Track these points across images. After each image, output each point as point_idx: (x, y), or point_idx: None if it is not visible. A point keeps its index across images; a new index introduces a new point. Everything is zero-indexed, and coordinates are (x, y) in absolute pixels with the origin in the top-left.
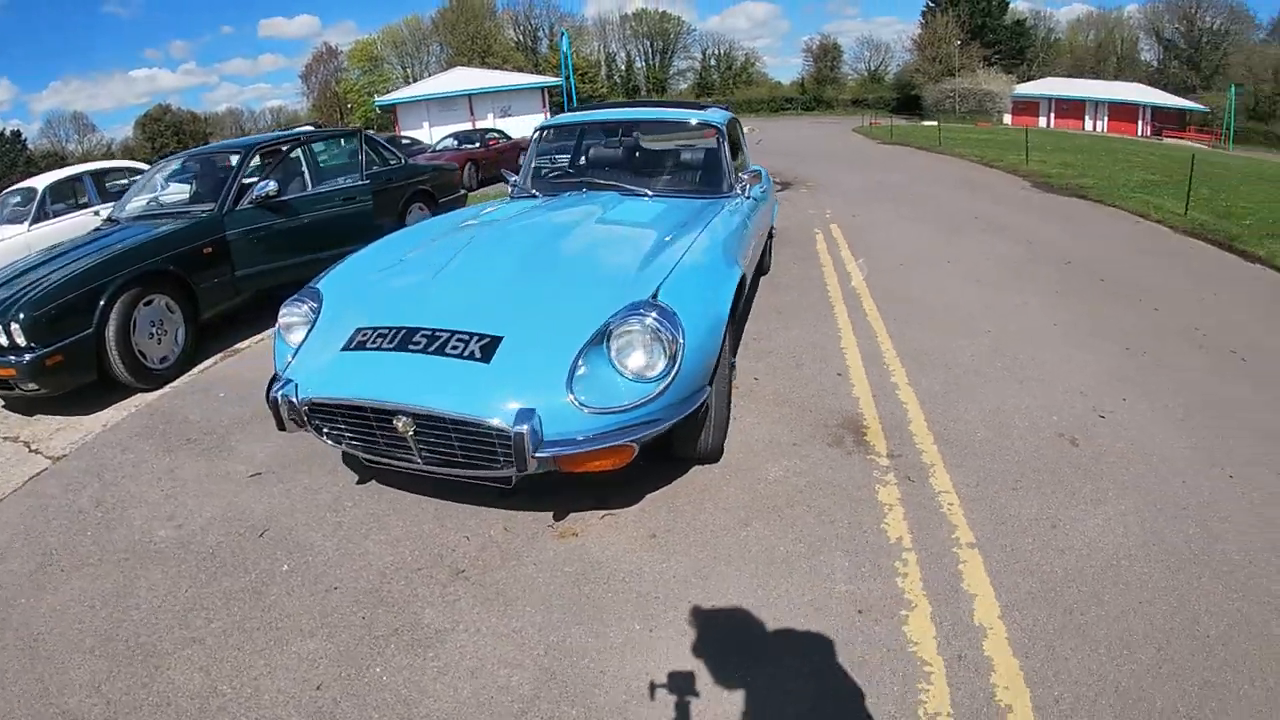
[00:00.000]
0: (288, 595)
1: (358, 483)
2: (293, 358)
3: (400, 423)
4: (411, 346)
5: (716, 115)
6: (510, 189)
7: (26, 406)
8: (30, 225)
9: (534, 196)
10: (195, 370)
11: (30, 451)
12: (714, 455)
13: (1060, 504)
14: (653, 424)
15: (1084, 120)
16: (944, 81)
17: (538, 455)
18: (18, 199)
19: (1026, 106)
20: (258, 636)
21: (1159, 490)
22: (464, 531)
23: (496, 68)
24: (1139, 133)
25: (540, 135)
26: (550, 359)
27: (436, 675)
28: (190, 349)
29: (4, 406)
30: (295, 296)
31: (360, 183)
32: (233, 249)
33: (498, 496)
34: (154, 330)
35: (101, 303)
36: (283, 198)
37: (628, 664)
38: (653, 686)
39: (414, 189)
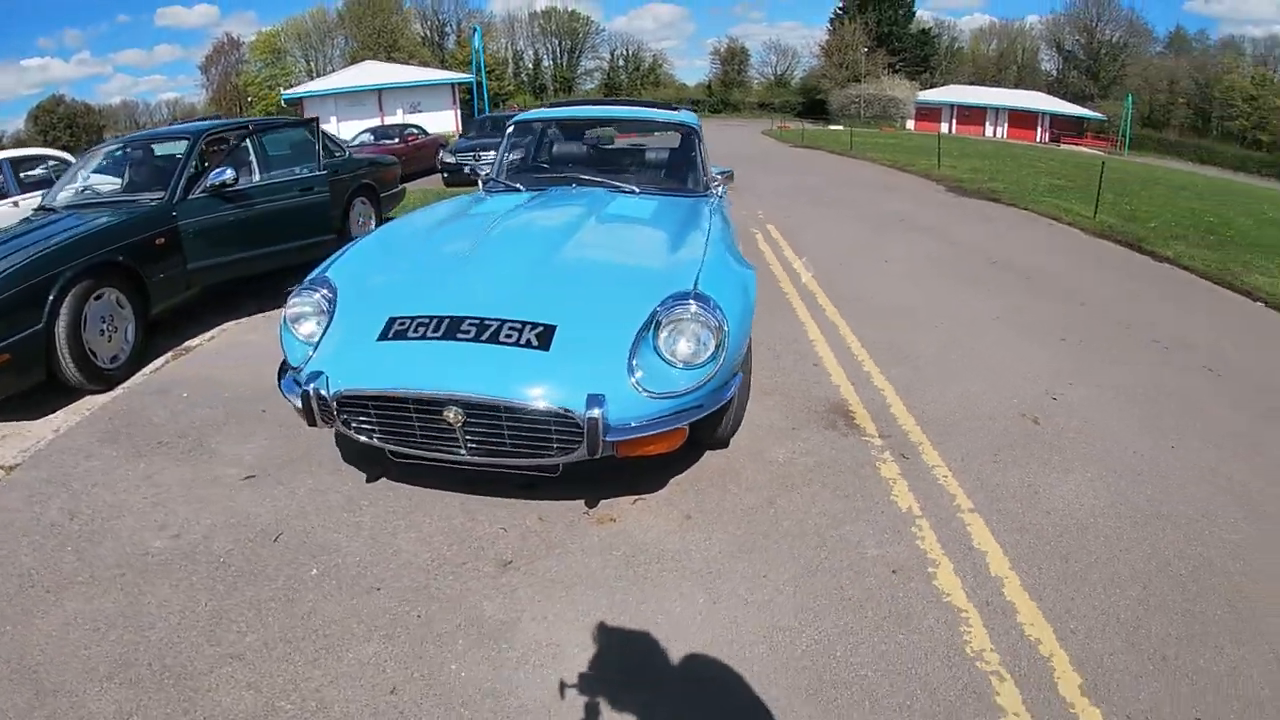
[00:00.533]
0: (326, 600)
1: (368, 481)
2: (314, 351)
3: (451, 413)
4: (460, 335)
5: (690, 116)
6: (482, 183)
7: None
8: None
9: (518, 190)
10: (146, 370)
11: None
12: (726, 440)
13: (1036, 473)
14: (699, 408)
15: (984, 126)
16: (850, 87)
17: (607, 439)
18: None
19: (929, 112)
20: (305, 646)
21: (1115, 459)
22: (498, 524)
23: (403, 63)
24: (1037, 139)
25: (515, 130)
26: (607, 346)
27: (517, 665)
28: (140, 347)
29: None
30: (304, 285)
31: (318, 173)
32: (185, 240)
33: (520, 488)
34: (105, 327)
35: (51, 296)
36: (238, 187)
37: (706, 635)
38: (741, 651)
39: (358, 182)
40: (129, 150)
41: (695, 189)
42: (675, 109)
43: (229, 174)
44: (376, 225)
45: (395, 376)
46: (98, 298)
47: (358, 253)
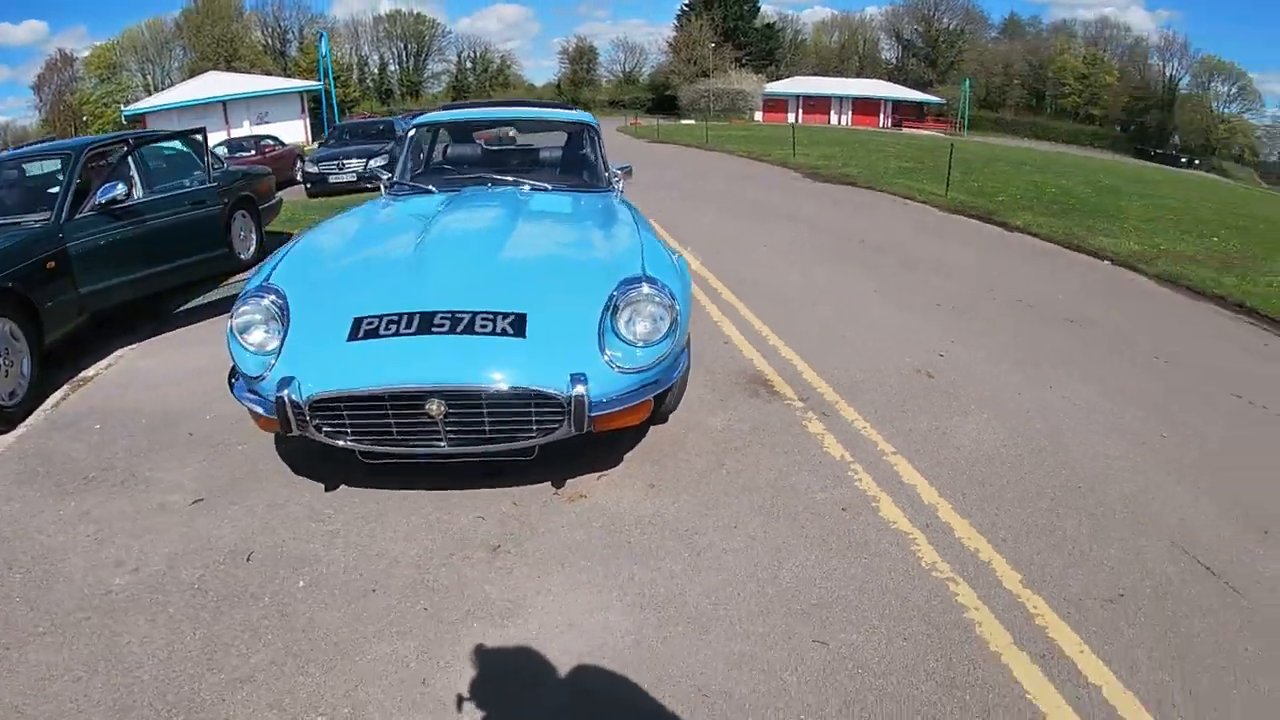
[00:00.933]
0: (322, 609)
1: (327, 490)
2: (276, 358)
3: (434, 406)
4: (436, 329)
5: (588, 115)
6: (384, 186)
7: None
8: None
9: (430, 192)
10: (46, 405)
11: None
12: (667, 415)
13: (940, 418)
14: (658, 383)
15: (830, 115)
16: (699, 82)
17: (591, 415)
18: None
19: (776, 104)
20: (317, 656)
21: (1004, 403)
22: (474, 513)
23: (245, 72)
24: (880, 124)
25: (417, 134)
26: (578, 330)
27: (537, 637)
28: (37, 381)
29: None
30: (249, 293)
31: (208, 185)
32: (75, 262)
33: (484, 477)
34: (1, 361)
35: None
36: (128, 203)
37: (699, 582)
38: (735, 591)
39: (237, 195)
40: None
41: (599, 184)
42: (572, 108)
43: (120, 189)
44: (258, 239)
45: (374, 375)
46: None
47: (295, 258)
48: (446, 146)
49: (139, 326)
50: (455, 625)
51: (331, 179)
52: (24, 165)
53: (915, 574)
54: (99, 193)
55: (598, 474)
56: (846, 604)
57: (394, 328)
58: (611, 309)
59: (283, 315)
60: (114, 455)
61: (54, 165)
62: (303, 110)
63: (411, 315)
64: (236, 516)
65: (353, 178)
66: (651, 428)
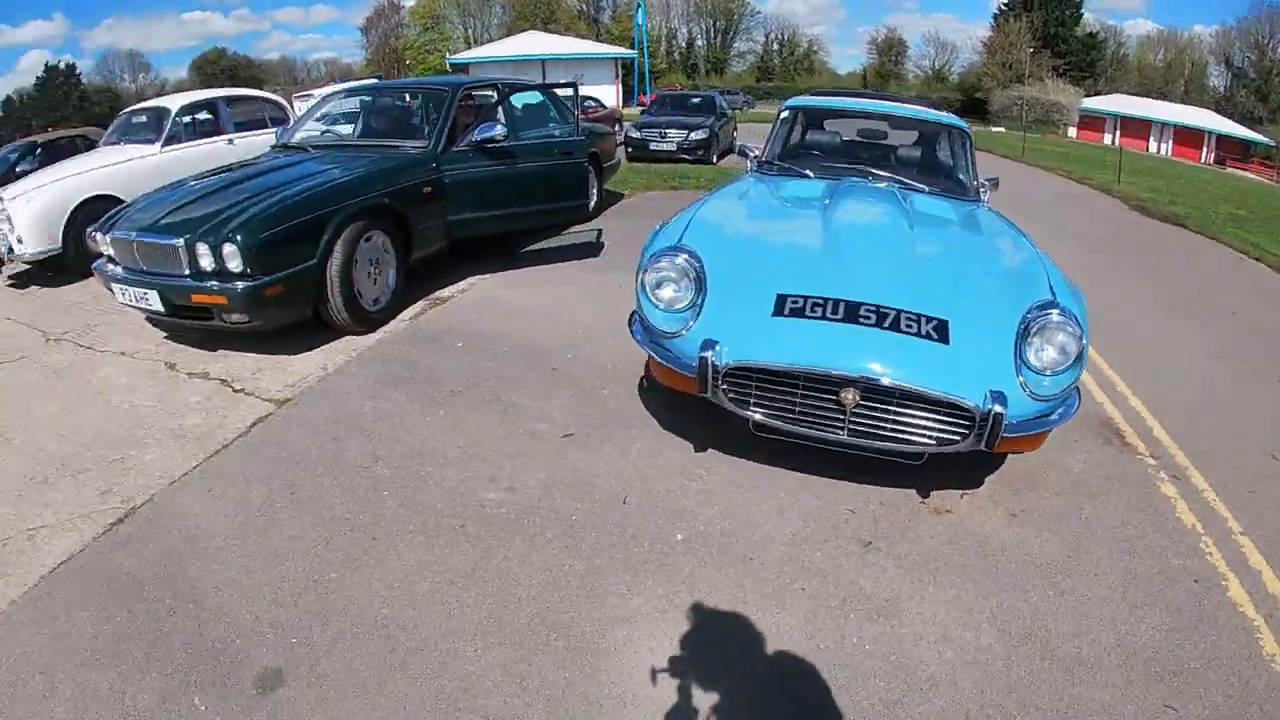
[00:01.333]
0: (701, 566)
1: (696, 450)
2: (694, 320)
3: (849, 395)
4: (862, 320)
5: (959, 120)
6: (750, 162)
7: (202, 340)
8: (162, 146)
9: (806, 176)
10: (405, 316)
11: (235, 391)
12: None
13: None
14: (1057, 416)
15: (1149, 141)
16: (1012, 88)
17: (1003, 435)
18: (144, 118)
19: (1092, 121)
20: (697, 614)
21: None
22: (843, 505)
23: (559, 34)
24: (1202, 159)
25: (790, 115)
26: (995, 346)
27: (913, 641)
28: (400, 293)
29: (166, 338)
30: (663, 251)
31: (577, 136)
32: (449, 190)
33: (851, 471)
34: (371, 269)
35: (326, 234)
36: (504, 144)
37: (1063, 623)
38: (1095, 638)
39: (588, 149)
40: (374, 97)
41: (970, 192)
42: (939, 109)
43: (498, 130)
44: (598, 193)
45: (797, 353)
46: (367, 239)
47: (700, 225)
48: (806, 131)
49: (486, 261)
50: (833, 611)
51: (652, 146)
52: (397, 95)
53: (1257, 661)
54: (476, 130)
55: (960, 492)
56: (1194, 675)
57: (819, 311)
58: (1024, 331)
59: (697, 277)
60: (479, 375)
61: (430, 99)
62: (616, 76)
63: (837, 302)
64: (610, 458)
65: (672, 147)
66: (1009, 455)
